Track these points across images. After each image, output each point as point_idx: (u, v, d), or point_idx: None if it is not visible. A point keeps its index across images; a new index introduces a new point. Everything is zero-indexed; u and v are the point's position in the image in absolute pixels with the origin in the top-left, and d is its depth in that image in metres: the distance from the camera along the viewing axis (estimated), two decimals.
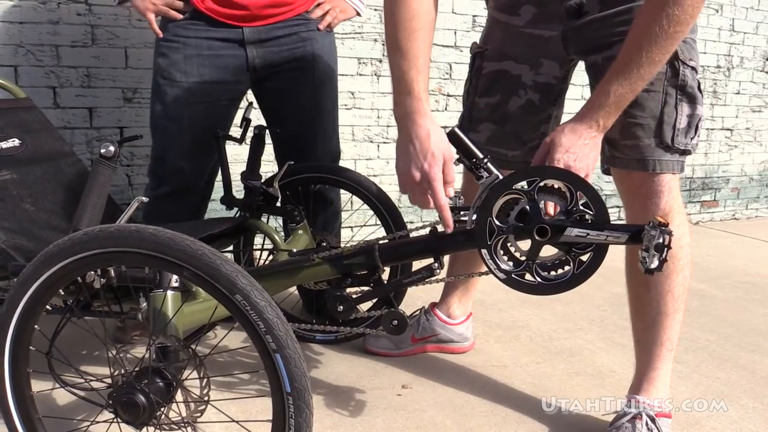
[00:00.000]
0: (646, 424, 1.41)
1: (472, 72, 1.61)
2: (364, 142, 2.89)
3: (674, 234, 1.40)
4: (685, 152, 1.35)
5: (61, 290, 1.10)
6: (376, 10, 2.75)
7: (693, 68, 1.32)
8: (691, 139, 1.35)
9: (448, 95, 3.04)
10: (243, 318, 0.96)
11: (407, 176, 1.21)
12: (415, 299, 2.10)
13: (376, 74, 2.84)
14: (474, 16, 3.03)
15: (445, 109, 3.05)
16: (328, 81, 1.90)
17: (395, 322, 1.35)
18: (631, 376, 1.51)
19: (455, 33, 3.01)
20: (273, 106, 1.90)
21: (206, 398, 1.07)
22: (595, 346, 1.99)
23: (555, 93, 1.53)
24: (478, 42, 1.62)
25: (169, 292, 1.11)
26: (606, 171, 1.44)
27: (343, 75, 2.79)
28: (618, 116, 1.23)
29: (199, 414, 1.10)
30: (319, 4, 1.88)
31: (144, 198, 1.14)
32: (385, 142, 2.96)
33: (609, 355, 1.93)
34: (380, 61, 2.83)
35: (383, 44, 2.82)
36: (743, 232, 3.69)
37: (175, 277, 1.12)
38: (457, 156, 1.26)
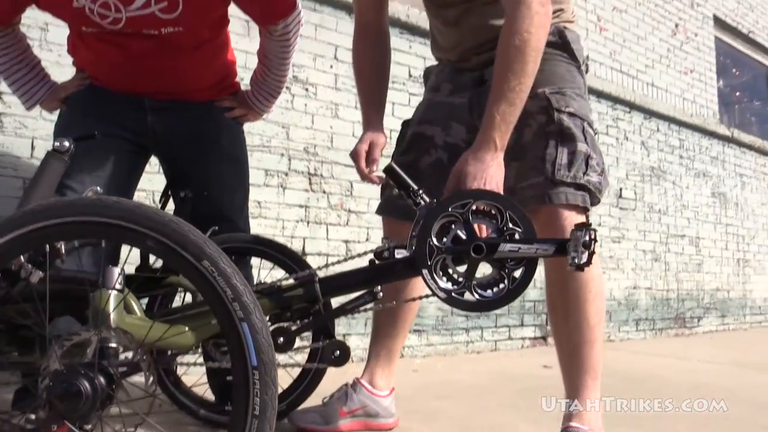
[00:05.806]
0: None
1: (397, 139, 1.82)
2: None
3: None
4: (581, 186, 1.53)
5: None
6: (283, 127, 2.93)
7: (570, 114, 1.55)
8: (583, 174, 1.53)
9: (350, 211, 3.18)
10: (208, 286, 0.92)
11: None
12: (343, 376, 2.03)
13: (282, 186, 2.94)
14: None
15: (347, 223, 3.17)
16: (236, 159, 1.90)
17: (337, 353, 1.32)
18: None
19: None
20: (178, 178, 1.85)
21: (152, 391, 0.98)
22: (519, 417, 2.01)
23: (460, 154, 1.70)
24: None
25: (112, 292, 1.05)
26: None
27: (250, 184, 2.87)
28: (510, 132, 1.39)
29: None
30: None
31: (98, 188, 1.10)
32: None
33: (533, 424, 1.94)
34: (286, 174, 2.95)
35: (290, 158, 2.97)
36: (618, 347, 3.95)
37: (118, 278, 1.07)
38: (396, 190, 1.36)
